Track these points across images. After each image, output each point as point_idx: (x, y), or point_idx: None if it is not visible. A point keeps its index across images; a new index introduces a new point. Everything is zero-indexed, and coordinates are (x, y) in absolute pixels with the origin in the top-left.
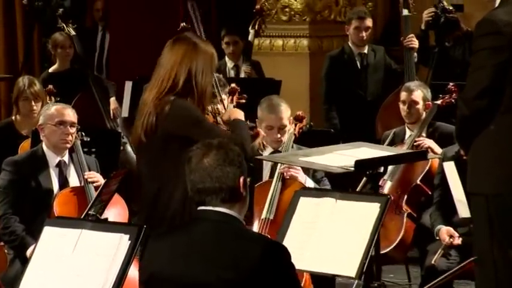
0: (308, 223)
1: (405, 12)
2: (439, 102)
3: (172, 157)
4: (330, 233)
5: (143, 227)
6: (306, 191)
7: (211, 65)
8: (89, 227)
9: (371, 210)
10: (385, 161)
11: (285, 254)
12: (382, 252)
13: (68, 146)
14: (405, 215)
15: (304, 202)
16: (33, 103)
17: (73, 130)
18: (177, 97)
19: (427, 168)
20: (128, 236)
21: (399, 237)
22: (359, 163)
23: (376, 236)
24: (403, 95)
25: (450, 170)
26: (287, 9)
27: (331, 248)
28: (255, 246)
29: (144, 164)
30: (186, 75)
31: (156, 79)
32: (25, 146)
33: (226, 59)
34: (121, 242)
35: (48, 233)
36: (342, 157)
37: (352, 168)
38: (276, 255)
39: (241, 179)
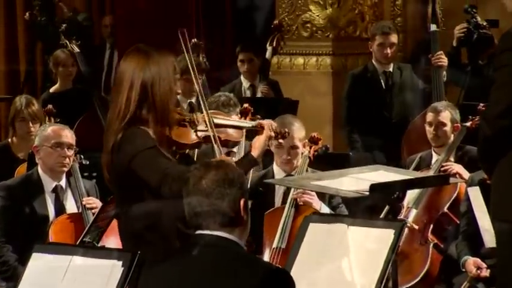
0: (318, 251)
1: (433, 27)
2: (468, 124)
3: (131, 199)
4: (341, 262)
5: (137, 253)
6: (315, 217)
7: (168, 72)
8: (80, 253)
9: (385, 237)
10: (402, 185)
11: (288, 281)
12: (405, 286)
13: (65, 169)
14: (431, 245)
15: (313, 228)
16: (30, 124)
17: (70, 152)
18: (127, 125)
19: (455, 195)
20: (120, 263)
21: (424, 270)
22: (374, 187)
23: (390, 266)
24: (430, 116)
25: (475, 195)
26: (308, 25)
27: (343, 278)
28: (255, 273)
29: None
30: (140, 89)
31: (112, 106)
32: (21, 171)
33: (242, 78)
34: (113, 270)
35: (36, 259)
36: (357, 181)
37: (367, 193)
38: (278, 282)
39: (242, 202)
